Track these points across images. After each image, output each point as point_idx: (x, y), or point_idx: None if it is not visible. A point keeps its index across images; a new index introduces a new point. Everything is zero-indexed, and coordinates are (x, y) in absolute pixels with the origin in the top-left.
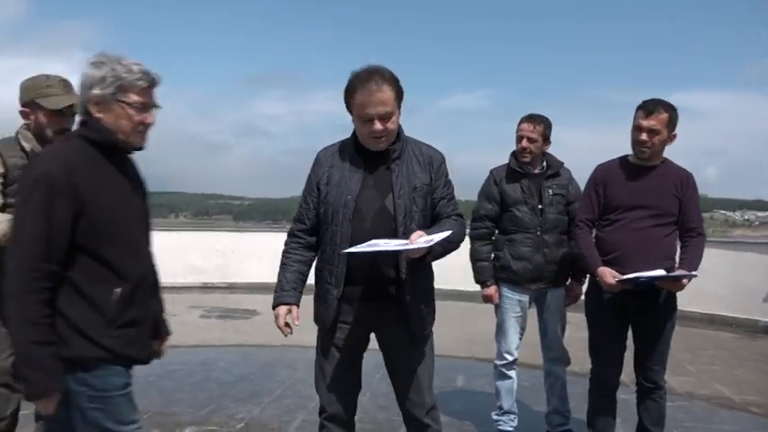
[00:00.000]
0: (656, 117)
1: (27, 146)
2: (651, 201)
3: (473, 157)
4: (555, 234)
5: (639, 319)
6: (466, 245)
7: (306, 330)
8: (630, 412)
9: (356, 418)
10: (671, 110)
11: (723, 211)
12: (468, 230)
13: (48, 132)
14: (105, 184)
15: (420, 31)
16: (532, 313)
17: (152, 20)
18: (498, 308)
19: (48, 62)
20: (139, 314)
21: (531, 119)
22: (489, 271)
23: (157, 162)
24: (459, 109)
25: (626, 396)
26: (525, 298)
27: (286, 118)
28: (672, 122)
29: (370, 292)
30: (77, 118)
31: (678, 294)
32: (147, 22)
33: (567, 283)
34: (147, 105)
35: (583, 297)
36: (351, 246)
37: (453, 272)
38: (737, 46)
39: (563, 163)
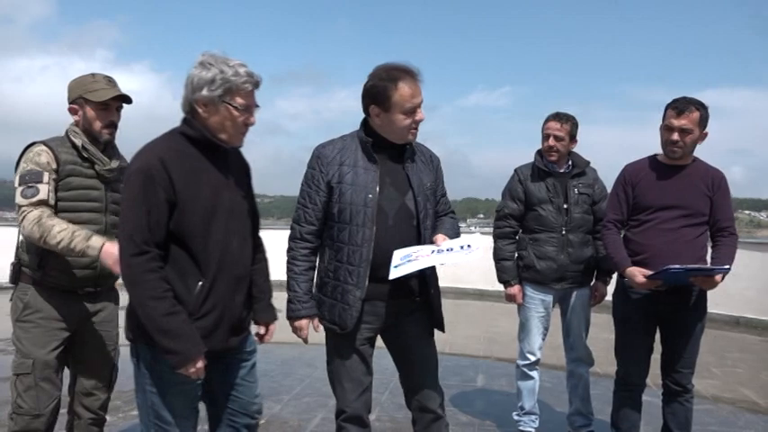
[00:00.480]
0: (688, 116)
1: (77, 141)
2: (681, 200)
3: (493, 155)
4: (580, 234)
5: (669, 321)
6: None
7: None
8: (653, 415)
9: (374, 416)
10: (702, 108)
11: (748, 212)
12: (492, 229)
13: (96, 126)
14: (196, 178)
15: (440, 30)
16: (555, 313)
17: (175, 19)
18: (522, 307)
19: (72, 61)
20: (220, 307)
21: (559, 117)
22: (513, 270)
23: None
24: (480, 107)
25: (650, 398)
26: (549, 298)
27: (306, 116)
28: (703, 121)
29: (395, 289)
30: (180, 115)
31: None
32: (170, 22)
33: (592, 283)
34: (251, 107)
35: (609, 297)
36: (376, 248)
37: (473, 271)
38: (762, 43)
39: (589, 162)
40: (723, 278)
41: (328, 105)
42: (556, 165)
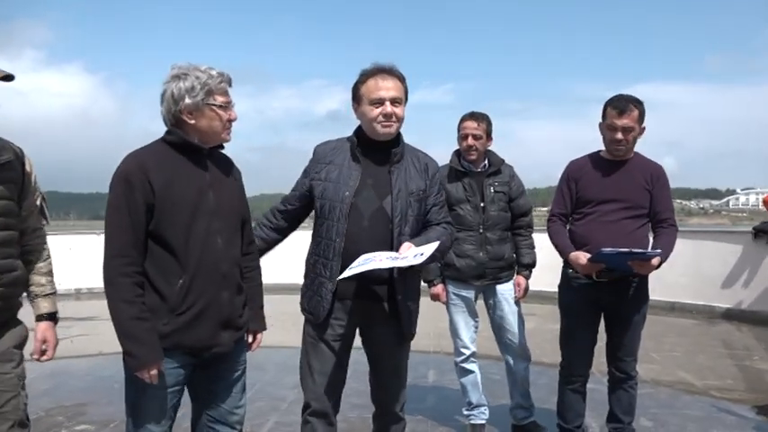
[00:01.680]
0: (630, 115)
1: None
2: (622, 194)
3: (438, 151)
4: (497, 231)
5: (611, 311)
6: None
7: (275, 331)
8: (598, 401)
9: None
10: (640, 105)
11: (680, 201)
12: None
13: None
14: (177, 180)
15: (383, 26)
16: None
17: (110, 18)
18: (447, 305)
19: None
20: (203, 302)
21: (474, 116)
22: (436, 270)
23: (117, 161)
24: (424, 104)
25: (595, 385)
26: (471, 293)
27: (249, 115)
28: (642, 117)
29: (363, 289)
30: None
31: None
32: (104, 21)
33: (513, 277)
34: (229, 103)
35: (555, 288)
36: (345, 244)
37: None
38: (696, 38)
39: (504, 160)
40: (660, 264)
41: (272, 104)
42: (473, 164)
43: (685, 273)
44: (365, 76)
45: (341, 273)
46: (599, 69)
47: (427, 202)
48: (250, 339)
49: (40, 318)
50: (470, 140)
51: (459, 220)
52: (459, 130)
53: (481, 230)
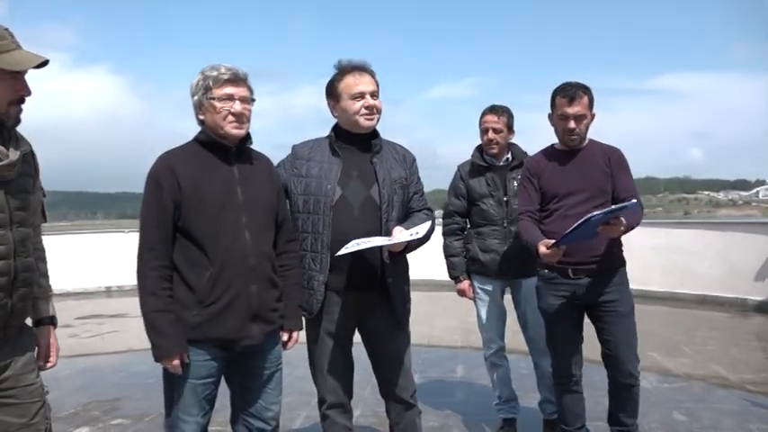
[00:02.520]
0: (580, 102)
1: None
2: (584, 183)
3: (460, 146)
4: None
5: (597, 309)
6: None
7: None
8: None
9: (359, 412)
10: (588, 91)
11: (707, 192)
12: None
13: (2, 106)
14: (205, 176)
15: (401, 22)
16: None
17: (134, 21)
18: (474, 300)
19: None
20: (230, 294)
21: (495, 110)
22: (461, 266)
23: (148, 162)
24: (445, 99)
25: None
26: (497, 287)
27: (272, 113)
28: (591, 103)
29: (355, 280)
30: None
31: (669, 277)
32: (129, 24)
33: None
34: (232, 96)
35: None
36: (332, 235)
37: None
38: (721, 26)
39: (526, 153)
40: (627, 230)
41: (294, 102)
42: (495, 158)
43: (716, 265)
44: (341, 73)
45: (330, 264)
46: (622, 60)
47: (409, 190)
48: (285, 337)
49: (41, 321)
50: (491, 134)
51: (482, 214)
52: (479, 125)
53: (505, 224)
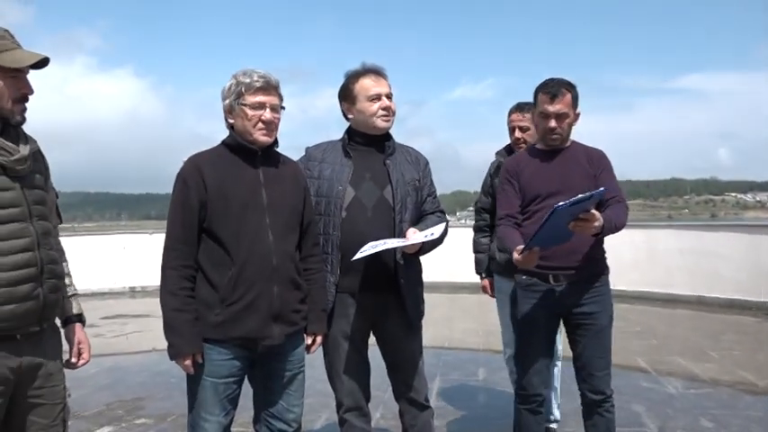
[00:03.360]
0: (562, 100)
1: None
2: (567, 184)
3: (481, 147)
4: None
5: (574, 320)
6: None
7: None
8: (655, 401)
9: (379, 414)
10: (572, 88)
11: (735, 194)
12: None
13: (5, 102)
14: (231, 178)
15: (421, 24)
16: None
17: (157, 24)
18: (496, 299)
19: (50, 69)
20: (252, 293)
21: (520, 108)
22: (484, 263)
23: (170, 164)
24: (466, 100)
25: (650, 385)
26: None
27: (294, 115)
28: (575, 101)
29: (368, 282)
30: None
31: (695, 280)
32: (152, 27)
33: None
34: (264, 104)
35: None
36: (346, 236)
37: (465, 264)
38: (749, 25)
39: None
40: (603, 230)
41: (315, 103)
42: None
43: (743, 268)
44: (356, 76)
45: (344, 266)
46: (647, 60)
47: (422, 192)
48: (309, 341)
49: (69, 320)
50: (518, 133)
51: None
52: (507, 124)
53: None
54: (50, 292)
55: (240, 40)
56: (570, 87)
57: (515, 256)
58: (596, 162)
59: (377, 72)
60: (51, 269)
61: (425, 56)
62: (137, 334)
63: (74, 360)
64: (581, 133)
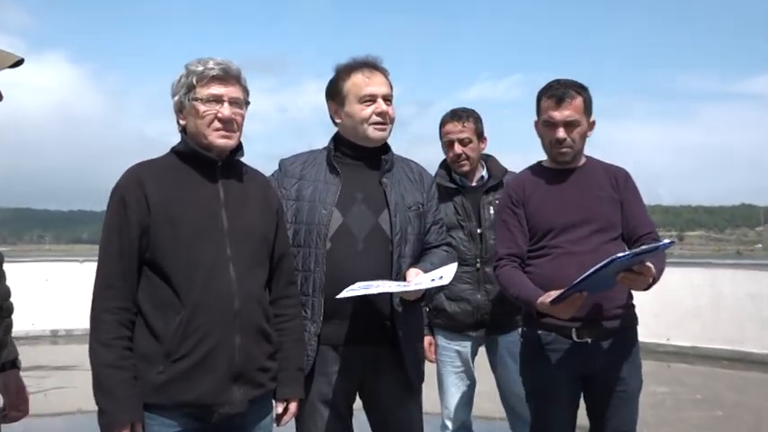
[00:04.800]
0: (571, 104)
1: None
2: (587, 212)
3: (506, 162)
4: None
5: (599, 384)
6: None
7: None
8: None
9: None
10: (583, 90)
11: None
12: None
13: None
14: (182, 195)
15: (430, 8)
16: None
17: (97, 2)
18: (436, 362)
19: None
20: (206, 347)
21: (456, 116)
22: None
23: (110, 175)
24: (484, 101)
25: None
26: (467, 347)
27: (270, 115)
28: (588, 106)
29: (357, 331)
30: None
31: None
32: (87, 2)
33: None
34: (220, 97)
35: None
36: (330, 273)
37: None
38: None
39: (506, 170)
40: (653, 283)
41: (297, 101)
42: (466, 177)
43: None
44: (347, 70)
45: (326, 311)
46: (708, 57)
47: (426, 220)
48: (280, 409)
49: (3, 366)
50: (457, 147)
51: None
52: (440, 137)
53: (478, 265)
54: (5, 334)
55: (206, 21)
56: (580, 89)
57: (543, 303)
58: (621, 184)
59: (373, 66)
60: (8, 306)
61: (435, 44)
62: (58, 391)
63: (12, 413)
64: (622, 143)
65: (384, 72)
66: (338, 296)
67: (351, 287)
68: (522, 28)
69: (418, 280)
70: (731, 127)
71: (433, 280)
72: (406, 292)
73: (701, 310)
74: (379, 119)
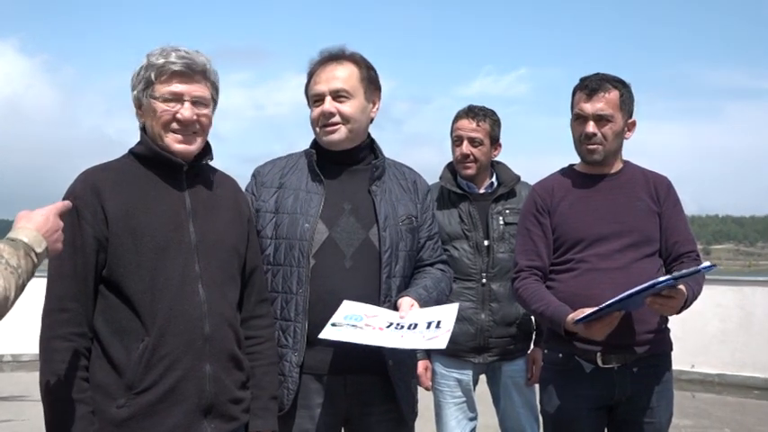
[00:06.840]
0: (604, 97)
1: None
2: (623, 224)
3: (511, 163)
4: (507, 282)
5: (626, 414)
6: None
7: None
8: None
9: None
10: (622, 86)
11: None
12: None
13: None
14: (143, 205)
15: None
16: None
17: None
18: (433, 391)
19: None
20: (172, 378)
21: (473, 113)
22: None
23: (64, 179)
24: (486, 97)
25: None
26: (468, 375)
27: (245, 112)
28: (626, 103)
29: (343, 360)
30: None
31: None
32: None
33: (529, 351)
34: (180, 96)
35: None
36: (314, 295)
37: None
38: None
39: (519, 177)
40: (687, 305)
41: (276, 97)
42: (473, 183)
43: None
44: (309, 68)
45: (309, 337)
46: (739, 52)
47: (420, 234)
48: None
49: None
50: (466, 147)
51: (452, 264)
52: (451, 133)
53: (484, 281)
54: None
55: (174, 4)
56: (618, 84)
57: (569, 320)
58: (662, 195)
59: (328, 59)
60: None
61: (432, 33)
62: (5, 425)
63: None
64: (644, 143)
65: (351, 60)
66: (320, 335)
67: (334, 322)
68: (529, 17)
69: (412, 317)
70: (763, 126)
71: (428, 325)
72: (402, 348)
73: (730, 333)
74: (324, 119)
